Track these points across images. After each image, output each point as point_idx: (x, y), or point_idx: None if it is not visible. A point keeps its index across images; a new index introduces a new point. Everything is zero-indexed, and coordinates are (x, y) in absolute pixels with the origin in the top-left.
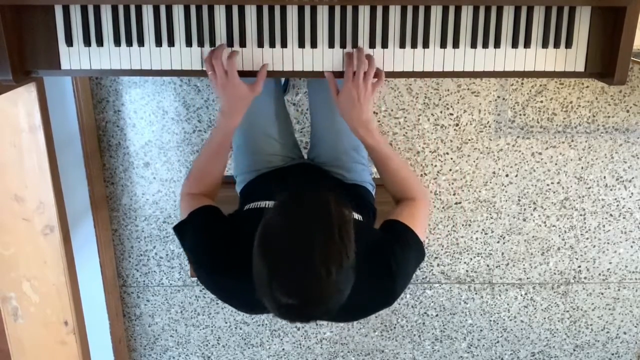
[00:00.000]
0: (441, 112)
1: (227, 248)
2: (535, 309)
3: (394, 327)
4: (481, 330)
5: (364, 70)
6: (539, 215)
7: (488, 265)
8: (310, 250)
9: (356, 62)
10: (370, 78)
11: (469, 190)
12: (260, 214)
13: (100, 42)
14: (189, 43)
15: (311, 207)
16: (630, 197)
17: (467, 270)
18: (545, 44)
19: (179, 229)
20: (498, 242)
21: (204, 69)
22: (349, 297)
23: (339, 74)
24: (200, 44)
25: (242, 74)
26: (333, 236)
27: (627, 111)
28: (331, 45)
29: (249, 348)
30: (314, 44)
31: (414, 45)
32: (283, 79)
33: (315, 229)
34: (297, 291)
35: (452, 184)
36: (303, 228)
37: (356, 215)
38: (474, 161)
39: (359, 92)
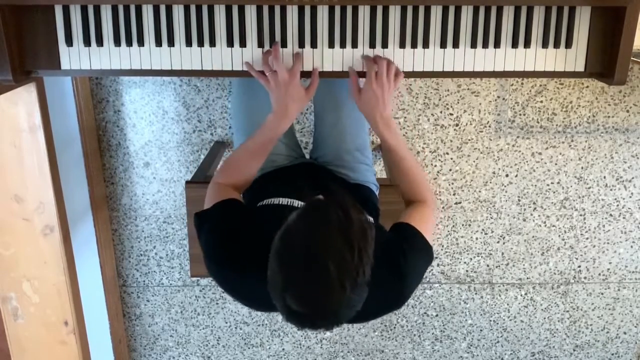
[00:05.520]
0: (441, 112)
1: (241, 245)
2: (535, 309)
3: (394, 327)
4: (481, 330)
5: (385, 69)
6: (539, 215)
7: (488, 265)
8: (327, 264)
9: (376, 63)
10: (392, 75)
11: (469, 190)
12: (275, 210)
13: (100, 42)
14: (189, 43)
15: (335, 222)
16: (630, 197)
17: (467, 270)
18: (545, 44)
19: (200, 217)
20: (498, 242)
21: (261, 69)
22: None
23: (342, 74)
24: (200, 44)
25: (239, 74)
26: (352, 254)
27: (627, 111)
28: (331, 45)
29: (249, 348)
30: (314, 44)
31: (414, 45)
32: None
33: (335, 244)
34: (308, 302)
35: (452, 184)
36: (324, 241)
37: (369, 218)
38: (474, 161)
39: (383, 90)
